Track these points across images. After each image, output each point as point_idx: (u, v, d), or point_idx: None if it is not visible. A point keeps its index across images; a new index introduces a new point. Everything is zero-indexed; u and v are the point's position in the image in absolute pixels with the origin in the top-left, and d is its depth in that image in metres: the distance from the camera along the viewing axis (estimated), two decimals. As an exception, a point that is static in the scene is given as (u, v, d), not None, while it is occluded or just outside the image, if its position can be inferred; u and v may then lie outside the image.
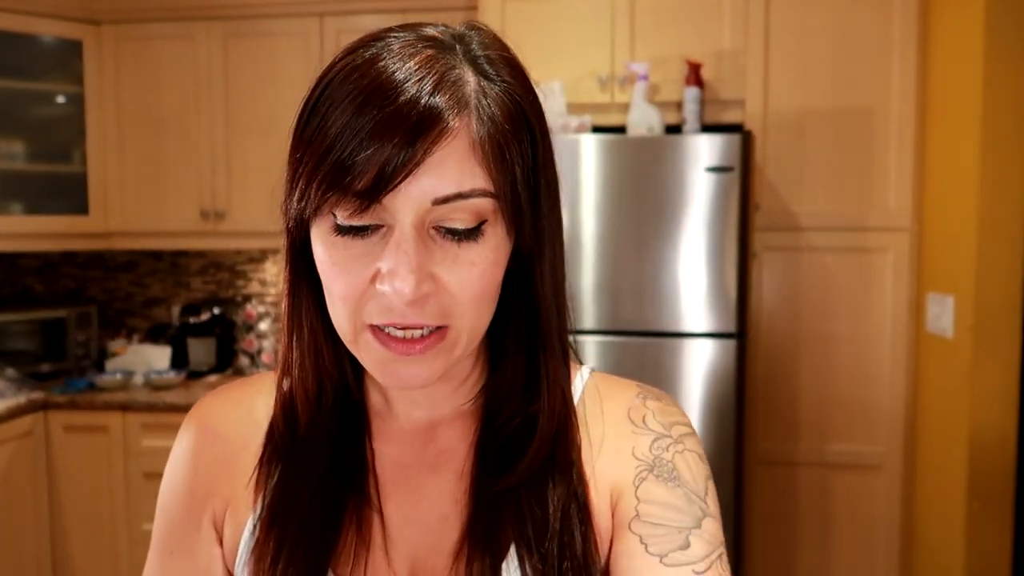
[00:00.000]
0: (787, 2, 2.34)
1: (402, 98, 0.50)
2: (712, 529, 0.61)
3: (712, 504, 0.62)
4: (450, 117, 0.51)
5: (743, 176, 2.16)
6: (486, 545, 0.58)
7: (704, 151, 2.16)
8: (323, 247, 0.55)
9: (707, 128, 2.33)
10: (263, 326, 3.03)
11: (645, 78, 2.30)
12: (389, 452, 0.63)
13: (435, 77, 0.51)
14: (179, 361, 2.97)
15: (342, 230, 0.53)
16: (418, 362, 0.54)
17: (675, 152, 2.18)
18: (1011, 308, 2.01)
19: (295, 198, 0.55)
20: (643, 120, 2.28)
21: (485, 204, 0.53)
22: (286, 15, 2.77)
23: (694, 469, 0.61)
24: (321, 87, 0.54)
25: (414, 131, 0.49)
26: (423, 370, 0.54)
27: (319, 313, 0.60)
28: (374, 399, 0.64)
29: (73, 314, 2.96)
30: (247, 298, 3.17)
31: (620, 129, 2.36)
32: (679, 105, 2.35)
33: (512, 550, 0.58)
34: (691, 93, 2.28)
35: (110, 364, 2.92)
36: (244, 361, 3.01)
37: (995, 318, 2.02)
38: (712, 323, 2.21)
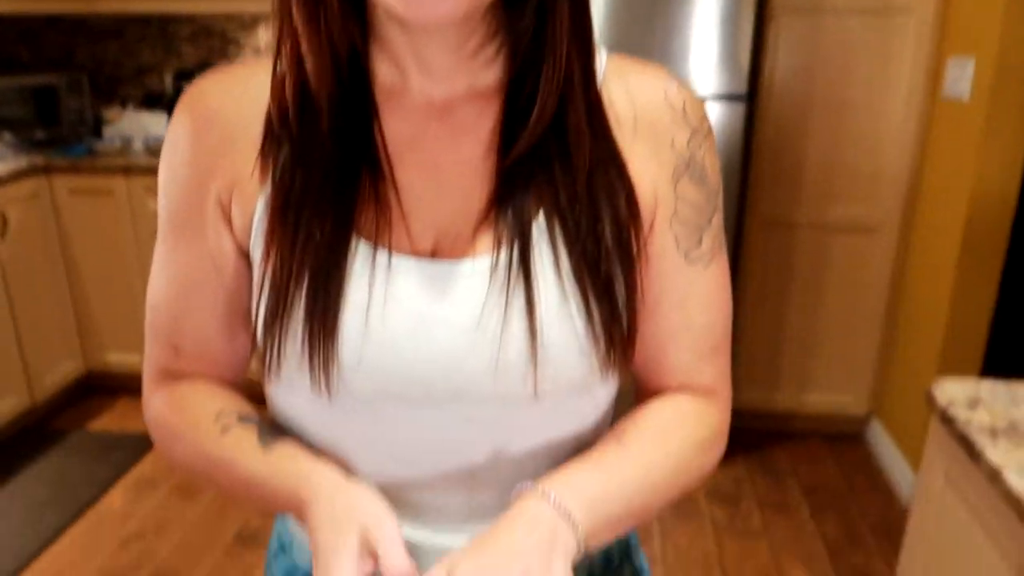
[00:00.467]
0: None
1: None
2: (717, 222, 0.64)
3: (720, 196, 0.64)
4: None
5: (768, -80, 2.00)
6: (514, 208, 0.57)
7: None
8: None
9: None
10: (260, 95, 2.95)
11: None
12: (401, 128, 0.59)
13: None
14: (177, 130, 2.93)
15: None
16: None
17: None
18: (1033, 67, 1.95)
19: None
20: None
21: None
22: None
23: (715, 167, 0.63)
24: None
25: None
26: (444, 2, 0.50)
27: None
28: (385, 75, 0.60)
29: (63, 80, 2.87)
30: (241, 66, 3.06)
31: None
32: None
33: (541, 215, 0.58)
34: None
35: (107, 132, 2.88)
36: (243, 131, 2.97)
37: (1013, 78, 1.96)
38: (723, 84, 2.16)
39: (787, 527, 2.25)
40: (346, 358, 0.57)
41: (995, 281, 2.11)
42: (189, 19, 3.03)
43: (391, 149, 0.59)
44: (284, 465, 0.59)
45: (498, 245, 0.57)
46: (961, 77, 2.11)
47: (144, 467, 2.49)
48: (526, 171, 0.58)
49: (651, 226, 0.62)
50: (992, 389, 1.09)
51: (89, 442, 2.63)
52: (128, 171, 2.61)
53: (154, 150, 2.73)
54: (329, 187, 0.57)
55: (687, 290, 0.63)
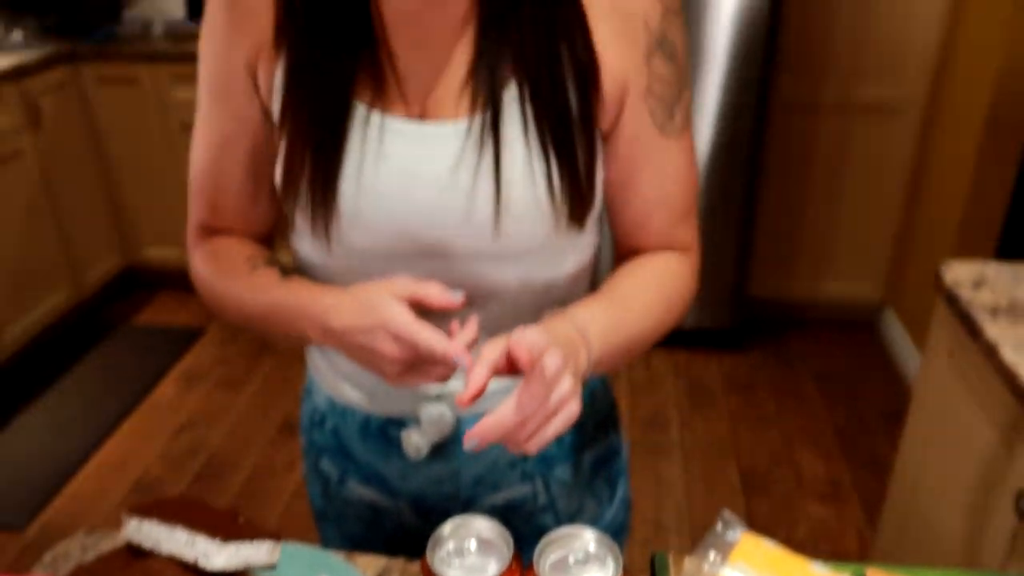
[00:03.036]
0: None
1: None
2: (687, 97, 0.71)
3: (689, 73, 0.71)
4: None
5: None
6: (489, 75, 0.64)
7: None
8: None
9: None
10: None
11: None
12: (395, 4, 0.65)
13: None
14: (195, 10, 2.90)
15: None
16: None
17: None
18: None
19: None
20: None
21: None
22: None
23: (684, 44, 0.69)
24: None
25: None
26: None
27: None
28: None
29: (78, -39, 2.83)
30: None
31: None
32: None
33: (513, 83, 0.65)
34: None
35: (127, 15, 2.86)
36: (261, 12, 2.93)
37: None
38: (751, -43, 2.09)
39: (799, 414, 2.36)
40: (343, 211, 0.67)
41: (1013, 168, 2.12)
42: None
43: (387, 22, 0.66)
44: (303, 289, 0.68)
45: (473, 110, 0.65)
46: (1000, -56, 2.04)
47: (190, 360, 2.65)
48: (501, 38, 0.64)
49: (622, 102, 0.68)
50: (998, 270, 1.15)
51: (136, 335, 2.78)
52: (152, 59, 2.62)
53: (175, 35, 2.72)
54: (333, 58, 0.65)
55: (663, 162, 0.71)
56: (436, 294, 0.63)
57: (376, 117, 0.66)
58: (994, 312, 1.05)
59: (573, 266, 0.73)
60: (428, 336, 0.60)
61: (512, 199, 0.65)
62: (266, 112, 0.71)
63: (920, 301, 2.42)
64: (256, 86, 0.70)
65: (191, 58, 2.58)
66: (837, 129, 2.47)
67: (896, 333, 2.59)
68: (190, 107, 2.73)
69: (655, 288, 0.72)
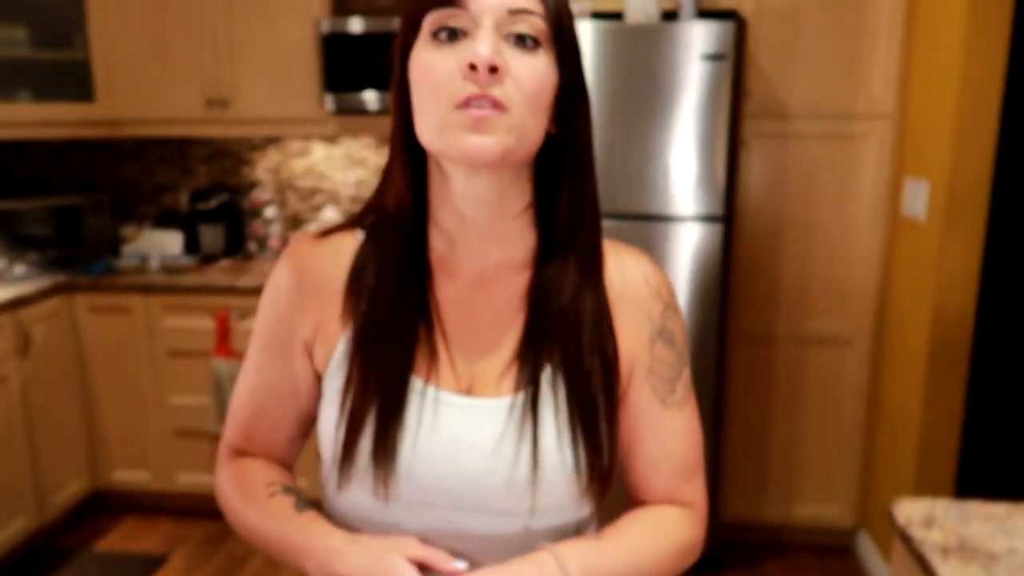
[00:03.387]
0: None
1: None
2: (687, 374, 0.84)
3: (687, 354, 0.84)
4: None
5: (736, 64, 2.24)
6: (530, 362, 0.76)
7: (699, 38, 2.23)
8: (417, 59, 0.72)
9: (703, 14, 2.38)
10: (269, 212, 3.14)
11: (643, -35, 2.33)
12: (449, 291, 0.79)
13: None
14: (191, 246, 3.11)
15: (436, 34, 0.71)
16: (488, 132, 0.69)
17: (670, 39, 2.25)
18: (980, 193, 2.15)
19: (402, 28, 0.75)
20: (640, 6, 2.33)
21: (542, 26, 0.71)
22: None
23: (682, 331, 0.84)
24: None
25: None
26: (487, 141, 0.69)
27: (410, 140, 0.76)
28: (438, 249, 0.80)
29: (87, 201, 3.06)
30: (252, 185, 3.26)
31: (617, 16, 2.41)
32: (676, -8, 2.39)
33: (548, 368, 0.76)
34: (688, -20, 2.32)
35: (125, 249, 3.05)
36: (253, 246, 3.15)
37: (965, 202, 2.16)
38: (701, 207, 2.34)
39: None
40: (400, 470, 0.74)
41: (962, 393, 2.25)
42: (206, 142, 3.26)
43: (441, 307, 0.79)
44: (314, 528, 0.76)
45: (516, 390, 0.76)
46: (917, 198, 2.31)
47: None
48: (541, 332, 0.77)
49: (630, 379, 0.80)
50: (946, 508, 1.21)
51: (97, 562, 2.67)
52: (147, 290, 2.77)
53: (170, 268, 2.89)
54: (394, 336, 0.76)
55: (665, 429, 0.82)
56: (443, 561, 0.70)
57: (431, 390, 0.76)
58: (945, 552, 1.10)
59: (584, 520, 0.81)
60: None
61: (545, 468, 0.74)
62: (316, 377, 0.82)
63: (891, 525, 2.43)
64: (310, 355, 0.81)
65: (184, 290, 2.74)
66: (794, 359, 2.62)
67: (871, 557, 2.57)
68: (178, 334, 2.84)
69: (651, 535, 0.80)
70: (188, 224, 3.13)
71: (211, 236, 3.13)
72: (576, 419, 0.75)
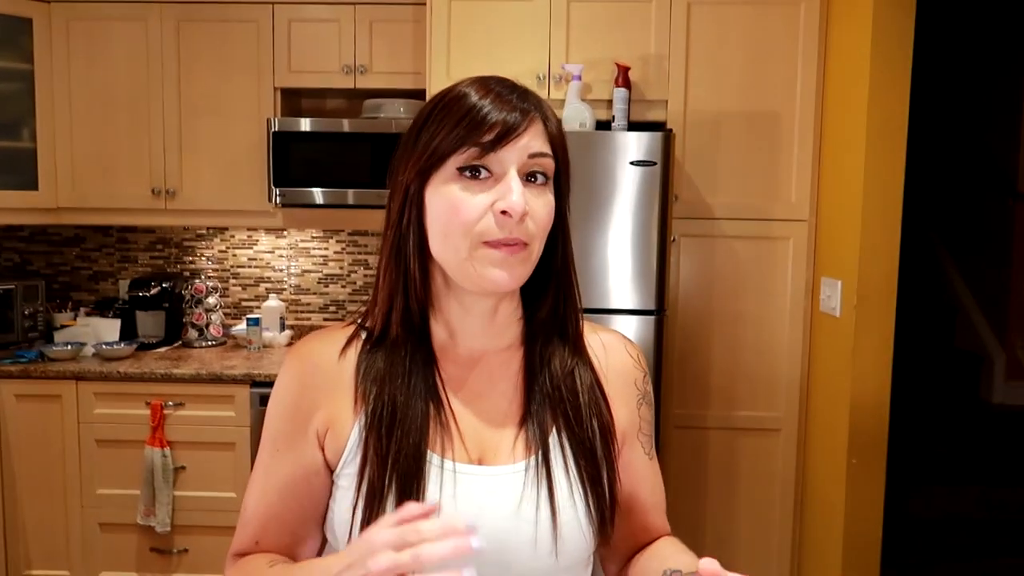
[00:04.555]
0: (705, 13, 2.60)
1: (510, 98, 0.82)
2: (653, 430, 0.97)
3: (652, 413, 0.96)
4: (535, 112, 0.83)
5: (664, 170, 2.41)
6: (537, 428, 0.85)
7: (631, 146, 2.41)
8: (444, 191, 0.81)
9: (633, 126, 2.57)
10: (211, 300, 3.15)
11: (579, 78, 2.53)
12: (454, 373, 0.87)
13: (522, 94, 0.84)
14: (128, 333, 3.07)
15: (463, 171, 0.80)
16: (512, 267, 0.80)
17: (605, 146, 2.42)
18: (888, 291, 2.33)
19: (423, 156, 0.81)
20: (576, 116, 2.51)
21: (551, 165, 0.84)
22: (238, 1, 2.88)
23: (652, 395, 0.97)
24: (443, 101, 0.83)
25: (519, 110, 0.81)
26: (511, 275, 0.80)
27: (419, 253, 0.84)
28: (439, 335, 0.88)
29: (20, 287, 3.02)
30: (194, 273, 3.27)
31: (555, 123, 2.58)
32: (609, 103, 2.59)
33: (554, 431, 0.85)
34: (620, 93, 2.52)
35: (59, 336, 2.99)
36: (193, 334, 3.13)
37: (874, 299, 2.34)
38: (636, 301, 2.47)
39: None
40: None
41: (882, 479, 2.37)
42: (148, 230, 3.27)
43: (447, 387, 0.86)
44: (313, 563, 0.79)
45: (527, 454, 0.84)
46: (832, 295, 2.49)
47: None
48: (541, 401, 0.86)
49: (624, 440, 0.91)
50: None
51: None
52: (80, 377, 2.71)
53: (106, 355, 2.85)
54: (408, 415, 0.83)
55: (653, 477, 0.96)
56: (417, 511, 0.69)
57: (448, 463, 0.82)
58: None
59: (590, 565, 0.90)
60: (412, 506, 0.67)
61: (563, 522, 0.81)
62: (327, 470, 0.86)
63: (822, 614, 2.49)
64: (322, 447, 0.85)
65: (120, 377, 2.70)
66: (725, 445, 2.71)
67: (806, 649, 2.60)
68: (110, 423, 2.78)
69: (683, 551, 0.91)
70: (127, 311, 3.11)
71: (149, 323, 3.10)
72: (584, 473, 0.83)
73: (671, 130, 2.49)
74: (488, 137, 0.79)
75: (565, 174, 0.87)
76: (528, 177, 0.82)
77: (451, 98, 0.82)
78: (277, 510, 0.86)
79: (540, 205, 0.82)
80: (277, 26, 2.88)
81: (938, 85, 4.03)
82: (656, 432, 2.54)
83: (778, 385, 2.69)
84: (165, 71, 2.91)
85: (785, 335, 2.68)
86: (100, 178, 2.96)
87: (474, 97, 0.81)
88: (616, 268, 2.46)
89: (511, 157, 0.80)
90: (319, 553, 0.90)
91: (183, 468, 2.71)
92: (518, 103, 0.81)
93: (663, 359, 2.53)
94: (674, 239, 2.63)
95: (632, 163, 2.40)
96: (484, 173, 0.80)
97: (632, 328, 2.46)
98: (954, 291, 4.15)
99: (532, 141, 0.81)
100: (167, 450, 2.68)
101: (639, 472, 0.93)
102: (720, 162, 2.64)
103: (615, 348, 0.94)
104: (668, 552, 0.90)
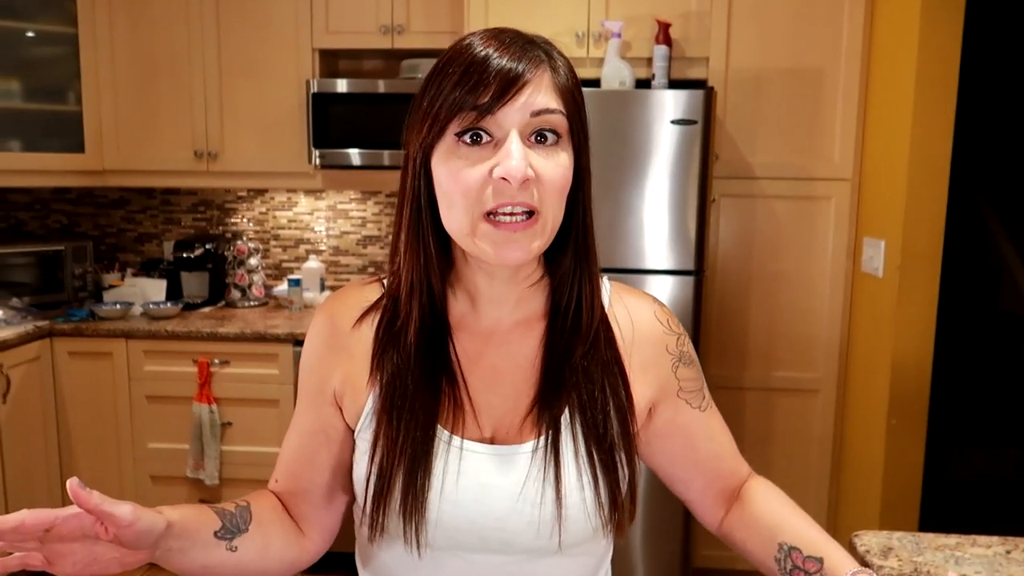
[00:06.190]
0: (750, -33, 2.54)
1: (510, 50, 0.75)
2: (705, 382, 0.96)
3: (700, 367, 0.95)
4: (539, 63, 0.76)
5: (705, 129, 2.39)
6: (551, 407, 0.82)
7: (671, 105, 2.38)
8: (446, 161, 0.76)
9: (674, 84, 2.54)
10: (253, 261, 3.20)
11: (619, 35, 2.50)
12: (469, 346, 0.85)
13: (527, 44, 0.77)
14: (173, 293, 3.15)
15: (462, 135, 0.74)
16: (518, 242, 0.75)
17: (644, 105, 2.40)
18: (933, 251, 2.30)
19: (423, 126, 0.77)
20: (616, 75, 2.48)
21: (562, 122, 0.76)
22: (276, -38, 2.88)
23: (693, 352, 0.94)
24: (445, 57, 0.78)
25: (524, 59, 0.75)
26: (521, 250, 0.75)
27: (433, 224, 0.80)
28: (457, 308, 0.85)
29: (70, 248, 3.10)
30: (236, 235, 3.33)
31: (595, 83, 2.56)
32: (649, 61, 2.56)
33: (566, 412, 0.82)
34: (660, 51, 2.48)
35: (108, 296, 3.08)
36: (236, 294, 3.19)
37: (919, 260, 2.30)
38: (673, 261, 2.46)
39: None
40: (429, 517, 0.79)
41: (923, 441, 2.36)
42: (191, 192, 3.33)
43: (462, 362, 0.84)
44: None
45: (537, 435, 0.81)
46: (875, 256, 2.46)
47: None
48: (557, 381, 0.83)
49: (654, 408, 0.89)
50: (901, 539, 1.30)
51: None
52: (129, 335, 2.79)
53: (152, 314, 2.93)
54: (420, 392, 0.81)
55: (710, 426, 0.95)
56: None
57: (457, 440, 0.81)
58: (902, 579, 1.18)
59: (604, 556, 0.90)
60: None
61: (568, 507, 0.79)
62: (347, 429, 0.86)
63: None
64: (339, 407, 0.86)
65: (167, 336, 2.78)
66: (763, 407, 2.72)
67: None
68: (158, 379, 2.86)
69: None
70: (172, 272, 3.18)
71: (194, 284, 3.18)
72: (595, 458, 0.81)
73: (712, 88, 2.46)
74: (484, 99, 0.73)
75: (580, 129, 0.79)
76: (537, 137, 0.75)
77: (451, 55, 0.77)
78: (296, 456, 0.88)
79: (549, 167, 0.75)
80: (315, -14, 2.88)
81: (987, 40, 3.90)
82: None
83: (817, 346, 2.68)
84: (205, 33, 2.93)
85: (825, 296, 2.66)
86: (144, 141, 3.01)
87: (476, 49, 0.75)
88: (655, 228, 2.45)
89: (512, 118, 0.73)
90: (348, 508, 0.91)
91: (230, 424, 2.80)
92: (521, 53, 0.75)
93: (701, 320, 2.53)
94: (714, 199, 2.61)
95: (672, 122, 2.38)
96: (485, 138, 0.74)
97: (670, 289, 2.46)
98: (1000, 252, 4.06)
99: (535, 96, 0.74)
100: (214, 406, 2.76)
101: (689, 427, 0.92)
102: (761, 121, 2.60)
103: (643, 316, 0.90)
104: (780, 515, 0.91)
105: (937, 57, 2.21)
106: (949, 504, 2.52)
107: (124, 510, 0.66)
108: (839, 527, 2.69)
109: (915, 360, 2.33)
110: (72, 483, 0.64)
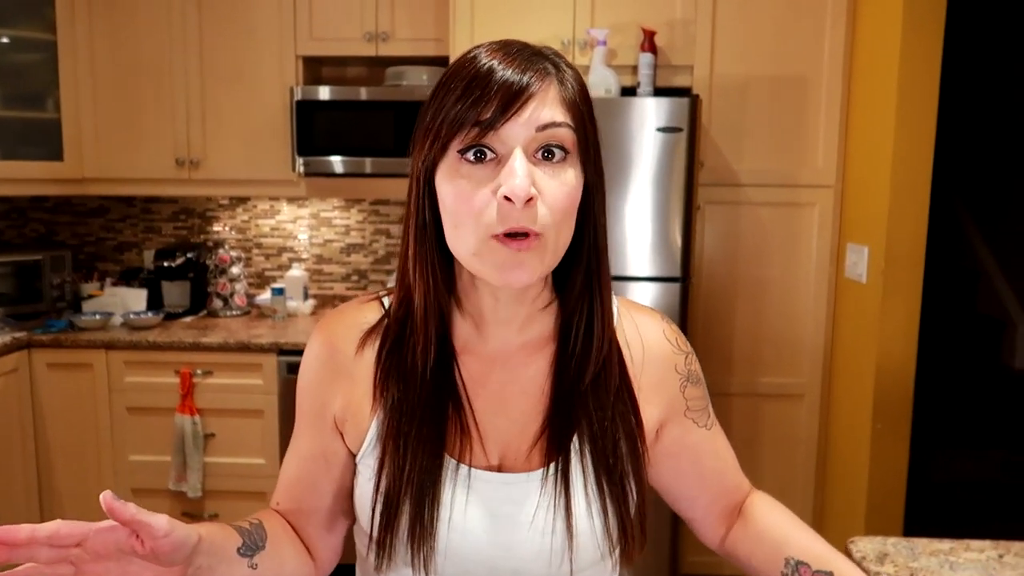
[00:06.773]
0: (733, -24, 2.56)
1: (515, 62, 0.72)
2: (710, 400, 0.94)
3: (706, 386, 0.94)
4: (544, 75, 0.73)
5: (690, 136, 2.40)
6: (561, 434, 0.80)
7: (656, 112, 2.39)
8: (449, 179, 0.73)
9: (659, 91, 2.55)
10: (235, 270, 3.17)
11: (604, 43, 2.51)
12: (475, 371, 0.82)
13: (533, 56, 0.74)
14: (154, 303, 3.11)
15: (465, 152, 0.71)
16: (522, 264, 0.72)
17: (629, 113, 2.41)
18: (915, 257, 2.32)
19: (426, 142, 0.74)
20: (601, 82, 2.49)
21: (569, 136, 0.73)
22: (258, -31, 2.86)
23: (701, 371, 0.93)
24: (451, 70, 0.75)
25: (524, 79, 0.71)
26: (525, 272, 0.72)
27: (438, 243, 0.78)
28: (462, 332, 0.83)
29: (48, 257, 3.05)
30: (218, 243, 3.30)
31: (580, 90, 2.56)
32: (634, 69, 2.57)
33: (576, 440, 0.80)
34: (645, 59, 2.49)
35: (87, 306, 3.03)
36: (218, 303, 3.16)
37: (902, 265, 2.33)
38: (659, 268, 2.47)
39: None
40: (438, 547, 0.77)
41: (906, 444, 2.38)
42: (171, 200, 3.29)
43: (468, 386, 0.81)
44: None
45: (546, 462, 0.79)
46: (858, 262, 2.48)
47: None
48: (567, 407, 0.81)
49: (663, 429, 0.88)
50: (896, 544, 1.30)
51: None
52: (110, 346, 2.75)
53: (133, 324, 2.88)
54: (426, 418, 0.79)
55: (715, 443, 0.94)
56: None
57: (464, 468, 0.79)
58: (898, 584, 1.18)
59: None
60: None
61: (578, 535, 0.78)
62: (348, 454, 0.84)
63: None
64: (340, 432, 0.83)
65: (148, 346, 2.74)
66: (748, 412, 2.73)
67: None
68: (139, 391, 2.82)
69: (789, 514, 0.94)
70: (152, 281, 3.14)
71: (175, 293, 3.14)
72: (604, 486, 0.79)
73: (697, 96, 2.47)
74: (486, 114, 0.70)
75: (591, 143, 0.76)
76: (544, 154, 0.72)
77: (455, 68, 0.74)
78: (296, 480, 0.86)
79: (555, 187, 0.71)
80: (298, -7, 2.87)
81: (965, 48, 3.97)
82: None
83: (802, 351, 2.70)
84: (187, 39, 2.90)
85: (810, 301, 2.68)
86: (124, 148, 2.97)
87: (480, 61, 0.72)
88: (641, 236, 2.45)
89: (516, 133, 0.70)
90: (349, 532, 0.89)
91: (213, 435, 2.76)
92: (526, 65, 0.72)
93: (687, 327, 2.54)
94: (699, 206, 2.62)
95: (658, 129, 2.39)
96: (489, 155, 0.71)
97: (656, 296, 2.47)
98: (977, 256, 4.13)
99: (540, 110, 0.71)
100: (197, 417, 2.73)
101: (696, 445, 0.91)
102: (746, 128, 2.62)
103: (653, 336, 0.87)
104: (784, 529, 0.90)
105: (919, 65, 2.24)
106: (934, 506, 2.55)
107: (160, 520, 0.64)
108: (825, 530, 2.71)
109: (899, 364, 2.36)
110: (106, 496, 0.62)
